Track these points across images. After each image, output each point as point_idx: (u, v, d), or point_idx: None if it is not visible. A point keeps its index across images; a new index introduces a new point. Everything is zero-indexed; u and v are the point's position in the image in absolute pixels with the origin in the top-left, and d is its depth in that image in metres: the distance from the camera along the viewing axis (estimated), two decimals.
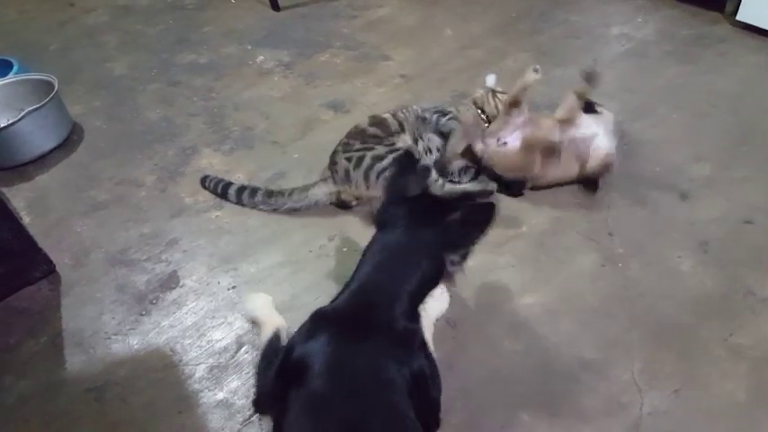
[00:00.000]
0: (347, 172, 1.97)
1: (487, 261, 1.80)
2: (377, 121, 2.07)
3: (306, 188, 2.02)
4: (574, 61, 2.62)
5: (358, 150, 1.98)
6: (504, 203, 2.00)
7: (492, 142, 2.00)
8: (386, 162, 1.94)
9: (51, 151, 2.38)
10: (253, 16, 3.27)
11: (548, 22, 2.95)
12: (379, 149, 1.97)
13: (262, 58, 2.89)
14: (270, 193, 2.02)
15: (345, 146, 2.02)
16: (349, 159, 1.97)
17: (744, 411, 1.42)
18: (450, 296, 1.65)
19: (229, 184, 2.08)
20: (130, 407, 1.52)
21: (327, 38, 3.00)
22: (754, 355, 1.52)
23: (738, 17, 2.74)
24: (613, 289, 1.70)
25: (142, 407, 1.52)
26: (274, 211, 2.02)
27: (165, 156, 2.32)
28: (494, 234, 1.87)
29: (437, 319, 1.60)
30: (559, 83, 2.45)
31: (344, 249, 1.88)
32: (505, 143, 1.97)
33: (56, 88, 2.37)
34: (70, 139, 2.44)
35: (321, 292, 1.75)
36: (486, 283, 1.75)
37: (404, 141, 2.03)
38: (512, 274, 1.77)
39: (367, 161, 1.95)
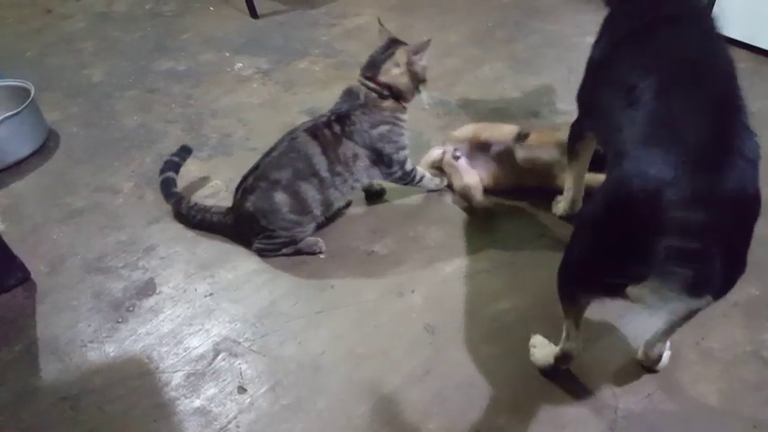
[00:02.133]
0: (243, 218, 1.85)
1: (464, 267, 1.82)
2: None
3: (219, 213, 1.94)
4: (549, 69, 2.66)
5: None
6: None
7: (448, 151, 2.03)
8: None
9: (27, 158, 2.35)
10: (231, 24, 3.27)
11: (523, 30, 3.00)
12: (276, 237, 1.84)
13: (240, 65, 2.89)
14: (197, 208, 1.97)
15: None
16: (251, 226, 1.84)
17: (715, 414, 1.44)
18: (429, 299, 1.66)
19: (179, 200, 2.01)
20: (106, 415, 1.51)
21: (306, 45, 3.02)
22: (725, 359, 1.55)
23: None
24: None
25: (118, 415, 1.50)
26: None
27: (143, 163, 2.31)
28: (470, 240, 1.90)
29: None
30: (534, 91, 2.49)
31: (321, 256, 1.89)
32: (458, 157, 2.00)
33: (32, 94, 2.35)
34: (46, 146, 2.42)
35: (299, 299, 1.76)
36: (463, 288, 1.76)
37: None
38: (488, 279, 1.78)
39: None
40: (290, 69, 2.83)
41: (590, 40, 1.60)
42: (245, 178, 1.87)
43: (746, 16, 2.66)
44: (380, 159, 1.88)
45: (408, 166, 1.96)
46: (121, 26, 3.33)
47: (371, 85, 1.83)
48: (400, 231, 1.96)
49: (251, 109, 2.58)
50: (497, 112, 2.42)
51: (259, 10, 3.30)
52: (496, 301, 1.72)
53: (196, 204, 1.97)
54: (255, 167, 1.86)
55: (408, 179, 1.98)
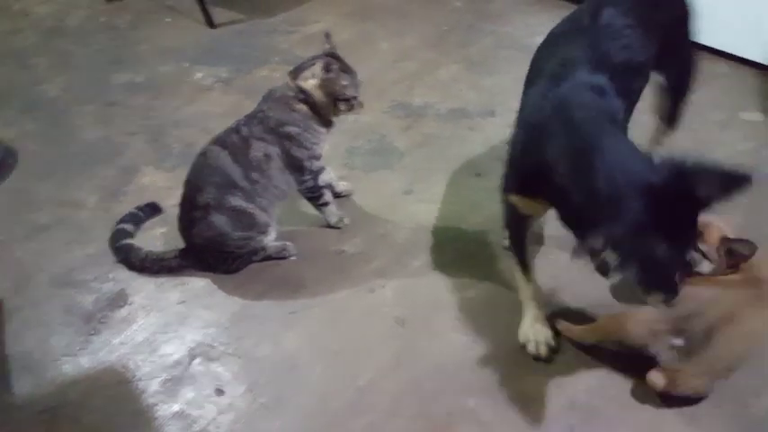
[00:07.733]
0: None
1: (431, 260, 1.89)
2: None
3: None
4: (504, 70, 2.75)
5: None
6: (448, 199, 2.09)
7: (662, 353, 1.39)
8: None
9: None
10: (188, 34, 3.26)
11: (477, 33, 3.08)
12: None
13: (200, 74, 2.90)
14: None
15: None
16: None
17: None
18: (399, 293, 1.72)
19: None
20: (85, 426, 1.51)
21: (265, 53, 3.04)
22: None
23: None
24: (546, 279, 1.78)
25: (97, 425, 1.52)
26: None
27: (106, 176, 2.30)
28: (436, 235, 1.96)
29: None
30: (490, 90, 2.57)
31: (293, 258, 1.92)
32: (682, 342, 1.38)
33: None
34: (4, 164, 2.37)
35: (272, 301, 1.79)
36: (431, 280, 1.83)
37: None
38: (454, 271, 1.85)
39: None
40: (251, 77, 2.85)
41: (540, 40, 1.68)
42: (179, 216, 1.84)
43: (727, 25, 2.57)
44: (292, 163, 1.82)
45: (320, 181, 1.90)
46: (75, 40, 3.29)
47: (291, 84, 1.81)
48: (369, 230, 2.01)
49: (213, 118, 2.58)
50: (456, 113, 2.49)
51: (216, 19, 3.30)
52: (463, 291, 1.78)
53: (147, 256, 1.88)
54: (184, 200, 1.83)
55: (316, 193, 1.91)
